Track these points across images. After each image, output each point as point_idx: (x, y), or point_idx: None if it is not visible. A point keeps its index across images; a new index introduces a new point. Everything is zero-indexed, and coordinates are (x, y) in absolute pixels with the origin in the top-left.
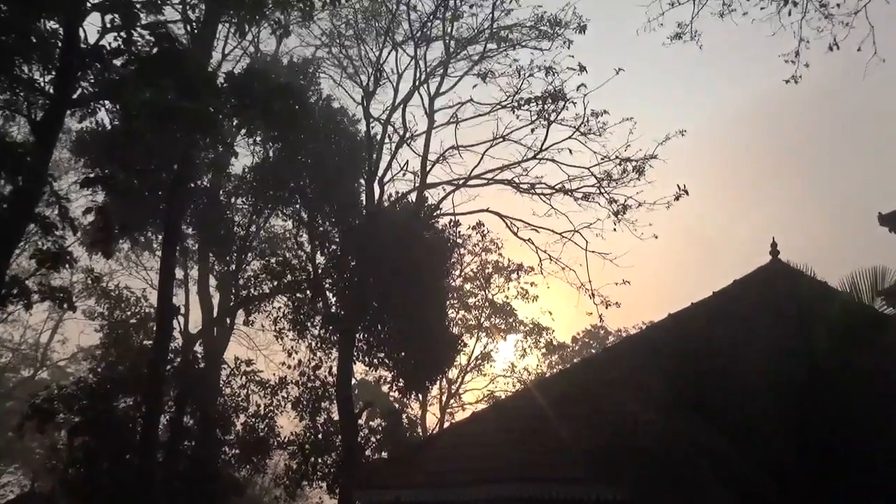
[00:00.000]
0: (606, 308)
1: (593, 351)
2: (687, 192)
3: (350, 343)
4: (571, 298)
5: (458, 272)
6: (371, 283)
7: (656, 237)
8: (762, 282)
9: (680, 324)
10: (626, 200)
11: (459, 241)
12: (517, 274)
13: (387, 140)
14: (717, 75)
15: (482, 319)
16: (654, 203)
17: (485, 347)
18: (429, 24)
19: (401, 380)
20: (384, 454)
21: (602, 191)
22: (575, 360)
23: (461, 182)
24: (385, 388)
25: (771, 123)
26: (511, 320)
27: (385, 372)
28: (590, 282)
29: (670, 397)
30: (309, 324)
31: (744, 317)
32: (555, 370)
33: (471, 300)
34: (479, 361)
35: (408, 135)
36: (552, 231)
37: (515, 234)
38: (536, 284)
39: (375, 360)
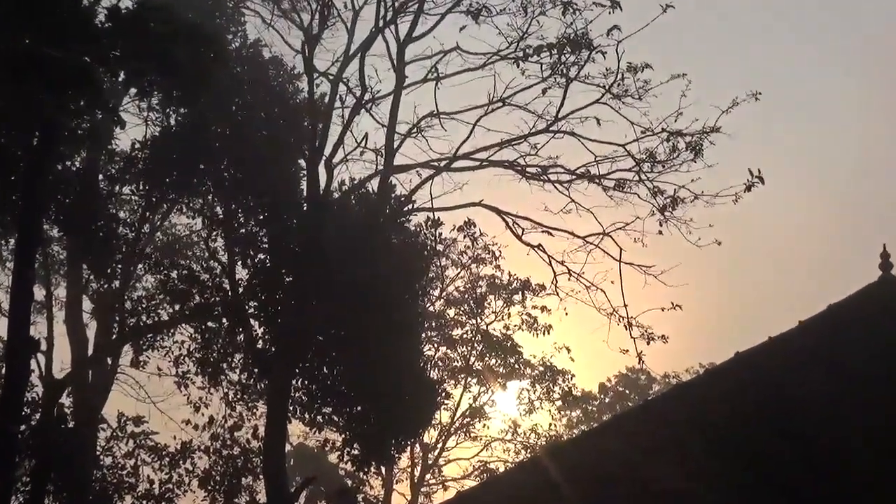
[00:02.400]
0: (648, 344)
1: (630, 405)
2: (762, 181)
3: (284, 393)
4: (600, 330)
5: (438, 292)
6: (314, 308)
7: (719, 244)
8: (869, 307)
9: (753, 368)
10: (676, 191)
11: (441, 247)
12: (522, 295)
13: (338, 104)
14: (816, 13)
15: (472, 359)
16: (717, 195)
17: (475, 399)
18: None
19: (356, 445)
20: None
21: (643, 177)
22: (604, 418)
23: (443, 164)
24: (333, 458)
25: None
26: (513, 360)
27: (333, 434)
28: (625, 306)
29: (739, 475)
30: (225, 366)
31: (845, 358)
32: (575, 432)
33: (456, 332)
34: (468, 419)
35: (367, 96)
36: (571, 234)
37: (519, 237)
38: (549, 310)
39: (320, 418)
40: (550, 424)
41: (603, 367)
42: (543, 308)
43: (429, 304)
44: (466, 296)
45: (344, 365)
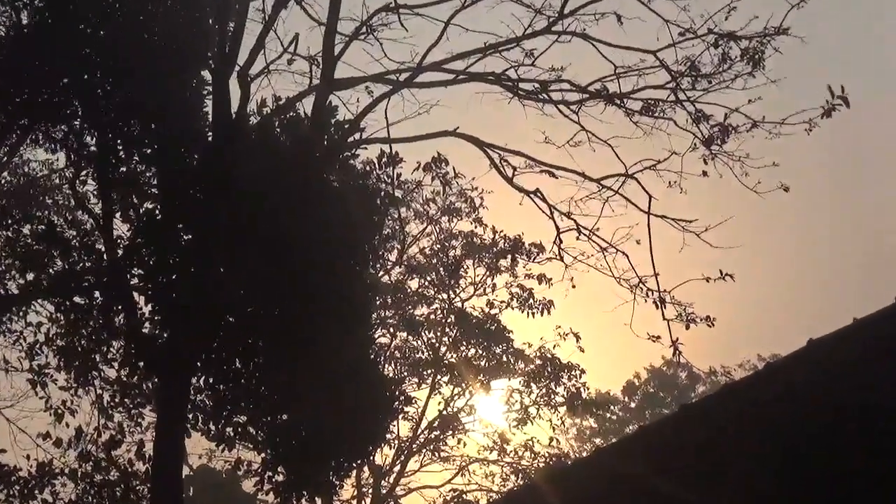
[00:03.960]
0: (688, 328)
1: (665, 411)
2: (846, 103)
3: (180, 397)
4: (621, 310)
5: (396, 255)
6: (223, 278)
7: (786, 189)
8: None
9: (833, 362)
10: (727, 117)
11: (400, 193)
12: (511, 259)
13: None
14: None
15: (442, 349)
16: (783, 122)
17: (447, 405)
18: None
19: (280, 469)
20: None
21: (680, 97)
22: (628, 429)
23: (404, 78)
24: (249, 485)
25: None
26: (499, 351)
27: (249, 453)
28: (656, 276)
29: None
30: (98, 357)
31: None
32: (586, 448)
33: (421, 311)
34: (437, 432)
35: None
36: (581, 176)
37: (509, 180)
38: (550, 280)
39: (231, 430)
40: (552, 439)
41: (626, 361)
42: (542, 278)
43: (382, 273)
44: (435, 261)
45: (264, 357)
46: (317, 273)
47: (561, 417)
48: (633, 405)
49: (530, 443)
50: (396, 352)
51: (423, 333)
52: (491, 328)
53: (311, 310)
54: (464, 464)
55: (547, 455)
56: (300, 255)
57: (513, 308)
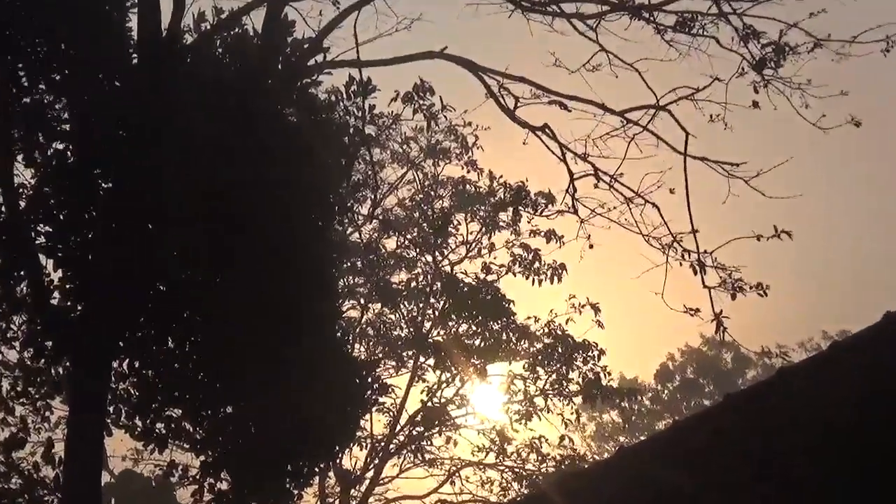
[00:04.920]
0: (735, 298)
1: (706, 402)
2: None
3: (98, 385)
4: (650, 276)
5: (369, 208)
6: (151, 236)
7: (858, 125)
8: None
9: None
10: (782, 34)
11: (373, 129)
12: (513, 213)
13: None
14: None
15: (427, 325)
16: (853, 42)
17: (432, 395)
18: None
19: (224, 474)
20: None
21: (725, 8)
22: (660, 425)
23: None
24: (186, 495)
25: None
26: (498, 326)
27: (185, 455)
28: (694, 233)
29: None
30: None
31: None
32: (607, 449)
33: (400, 278)
34: (420, 429)
35: None
36: (601, 108)
37: (511, 112)
38: (562, 238)
39: (161, 427)
40: (564, 438)
41: (657, 340)
42: (551, 235)
43: (352, 230)
44: (417, 215)
45: (203, 336)
46: (269, 231)
47: (575, 410)
48: (666, 395)
49: (537, 442)
50: (369, 328)
51: (402, 305)
52: (487, 298)
53: (262, 277)
54: (454, 468)
55: (558, 457)
56: (248, 208)
57: (515, 273)
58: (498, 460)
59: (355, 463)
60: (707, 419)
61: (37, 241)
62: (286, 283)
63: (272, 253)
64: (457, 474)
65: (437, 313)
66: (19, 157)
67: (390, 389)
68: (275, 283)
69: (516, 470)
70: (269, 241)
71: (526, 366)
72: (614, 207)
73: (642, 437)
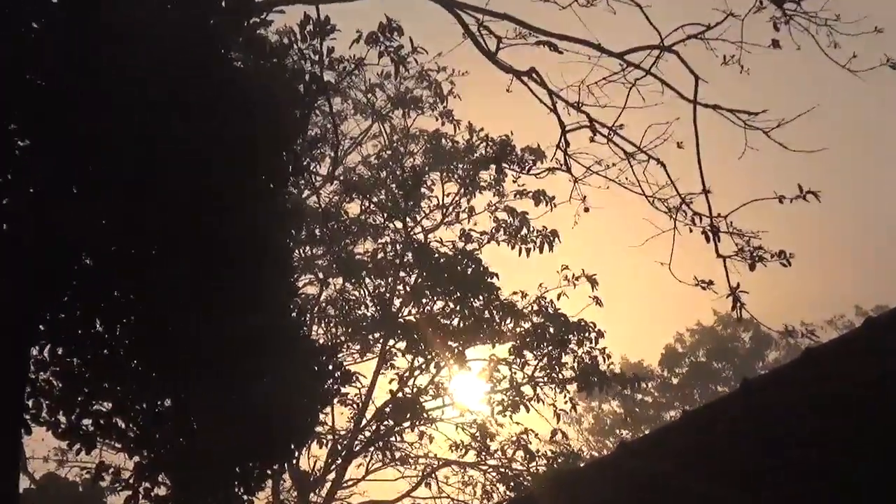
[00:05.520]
0: (753, 269)
1: (721, 389)
2: None
3: (15, 377)
4: (655, 243)
5: (328, 168)
6: (73, 198)
7: (894, 66)
8: None
9: None
10: None
11: (333, 76)
12: (497, 170)
13: None
14: None
15: (396, 302)
16: None
17: (405, 384)
18: None
19: (162, 477)
20: None
21: None
22: (668, 417)
23: None
24: (119, 500)
25: None
26: (479, 304)
27: (117, 455)
28: (706, 193)
29: None
30: None
31: None
32: (607, 445)
33: (364, 248)
34: (389, 422)
35: None
36: (596, 49)
37: (492, 55)
38: (553, 200)
39: (89, 423)
40: (556, 432)
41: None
42: (540, 197)
43: (308, 193)
44: (385, 174)
45: (137, 318)
46: (212, 194)
47: (569, 399)
48: (674, 381)
49: (525, 438)
50: (329, 307)
51: (367, 279)
52: (466, 271)
53: (204, 248)
54: (429, 468)
55: (549, 454)
56: (187, 168)
57: (498, 242)
58: (480, 458)
59: (314, 463)
60: (722, 409)
61: None
62: (232, 255)
63: (216, 221)
64: (433, 475)
65: (408, 289)
66: None
67: (355, 378)
68: (219, 256)
69: (501, 469)
70: (212, 208)
71: (512, 349)
72: (613, 164)
73: (647, 431)
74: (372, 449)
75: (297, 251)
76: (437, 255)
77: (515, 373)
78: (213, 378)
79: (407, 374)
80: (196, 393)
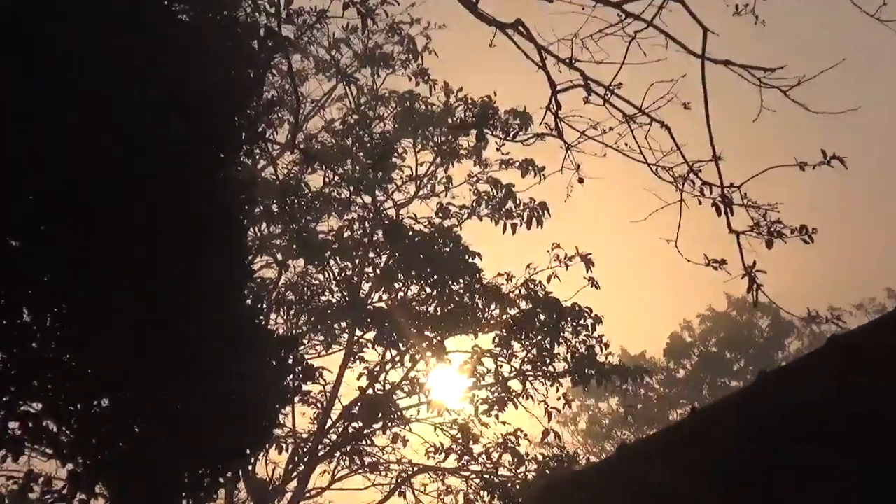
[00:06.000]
0: (771, 246)
1: (734, 384)
2: None
3: None
4: (661, 218)
5: (287, 134)
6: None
7: None
8: None
9: None
10: None
11: (290, 30)
12: (478, 136)
13: None
14: None
15: (364, 286)
16: None
17: (376, 378)
18: None
19: (99, 487)
20: None
21: None
22: (673, 416)
23: None
24: None
25: None
26: (460, 288)
27: (48, 461)
28: (716, 160)
29: None
30: None
31: None
32: (605, 448)
33: (328, 224)
34: (359, 426)
35: None
36: None
37: (472, 5)
38: (543, 171)
39: (16, 427)
40: (548, 433)
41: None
42: (527, 167)
43: (265, 164)
44: (351, 142)
45: (69, 305)
46: (154, 167)
47: (563, 396)
48: (681, 374)
49: (512, 439)
50: (289, 292)
51: (332, 261)
52: (445, 250)
53: (146, 228)
54: (404, 475)
55: (540, 458)
56: (124, 135)
57: (480, 217)
58: (461, 464)
59: (273, 470)
60: (735, 406)
61: None
62: (177, 234)
63: (158, 196)
64: (408, 483)
65: (378, 271)
66: None
67: (318, 373)
68: (162, 235)
69: (486, 476)
70: (154, 181)
71: (497, 339)
72: (611, 129)
73: (651, 432)
74: (338, 454)
75: (251, 229)
76: (411, 232)
77: (501, 366)
78: (156, 375)
79: (378, 368)
80: (137, 392)
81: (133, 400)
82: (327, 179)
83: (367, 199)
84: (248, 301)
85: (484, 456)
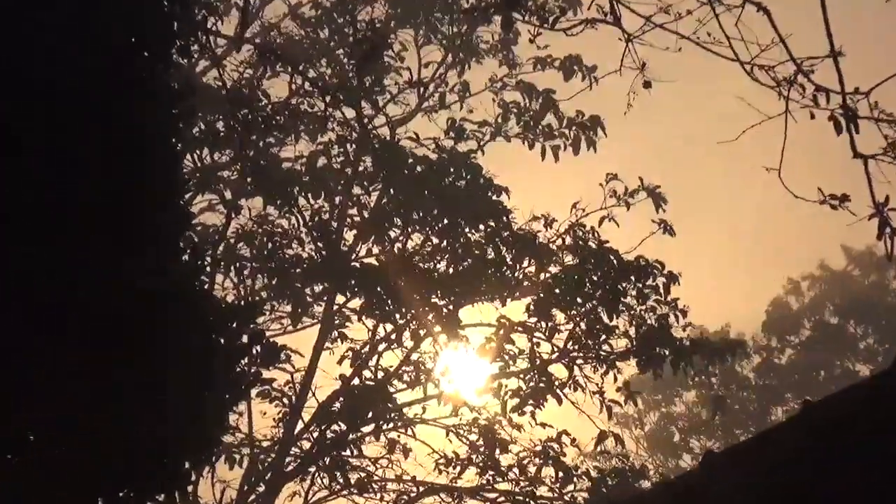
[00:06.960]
0: None
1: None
2: None
3: None
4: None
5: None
6: None
7: None
8: None
9: None
10: None
11: None
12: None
13: None
14: None
15: (347, 232)
16: None
17: (364, 362)
18: None
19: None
20: None
21: None
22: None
23: None
24: None
25: None
26: (478, 236)
27: None
28: (834, 57)
29: None
30: None
31: None
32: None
33: (297, 147)
34: (344, 429)
35: None
36: None
37: None
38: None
39: None
40: (604, 436)
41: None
42: (572, 67)
43: (207, 65)
44: (326, 35)
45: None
46: (58, 74)
47: (623, 386)
48: (786, 356)
49: (555, 446)
50: (242, 244)
51: (301, 200)
52: (458, 184)
53: (49, 157)
54: (406, 498)
55: (594, 473)
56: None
57: (508, 138)
58: (485, 480)
59: (223, 492)
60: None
61: None
62: (88, 165)
63: (65, 113)
64: (406, 498)
65: (366, 214)
66: None
67: (284, 355)
68: (72, 168)
69: (519, 498)
70: (60, 95)
71: (532, 307)
72: (688, 12)
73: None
74: (313, 469)
75: (189, 156)
76: (411, 159)
77: (539, 344)
78: (58, 364)
79: (367, 349)
80: (34, 388)
81: (28, 400)
82: (294, 86)
83: (351, 113)
84: (186, 257)
85: (516, 470)
